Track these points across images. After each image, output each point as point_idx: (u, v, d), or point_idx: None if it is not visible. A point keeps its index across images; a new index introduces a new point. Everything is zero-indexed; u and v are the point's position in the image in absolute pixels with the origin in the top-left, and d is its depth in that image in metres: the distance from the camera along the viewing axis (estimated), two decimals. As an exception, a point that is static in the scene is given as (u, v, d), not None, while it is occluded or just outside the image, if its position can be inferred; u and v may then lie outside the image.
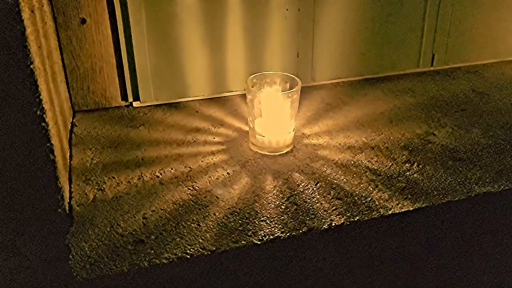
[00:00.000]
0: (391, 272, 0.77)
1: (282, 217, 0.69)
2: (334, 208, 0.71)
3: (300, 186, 0.75)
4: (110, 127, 0.90)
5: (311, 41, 1.02)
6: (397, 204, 0.72)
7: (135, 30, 0.91)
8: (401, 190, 0.74)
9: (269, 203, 0.72)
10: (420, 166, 0.80)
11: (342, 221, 0.69)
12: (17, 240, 0.65)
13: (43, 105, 0.61)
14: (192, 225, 0.67)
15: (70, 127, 0.89)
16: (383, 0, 1.03)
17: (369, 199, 0.73)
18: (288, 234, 0.66)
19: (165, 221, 0.68)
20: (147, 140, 0.87)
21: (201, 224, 0.68)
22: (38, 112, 0.60)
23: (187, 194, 0.73)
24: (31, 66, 0.58)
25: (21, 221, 0.65)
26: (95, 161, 0.81)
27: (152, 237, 0.65)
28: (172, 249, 0.63)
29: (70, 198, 0.72)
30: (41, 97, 0.60)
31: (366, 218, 0.69)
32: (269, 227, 0.67)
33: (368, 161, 0.81)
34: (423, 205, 0.72)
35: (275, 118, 0.81)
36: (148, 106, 0.98)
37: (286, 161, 0.81)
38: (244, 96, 0.98)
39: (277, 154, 0.83)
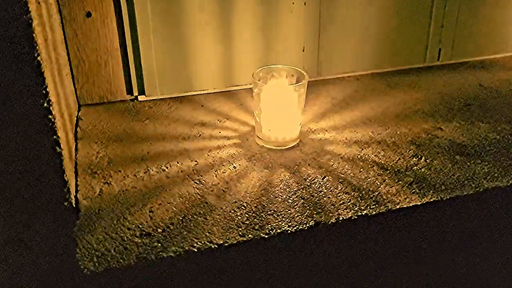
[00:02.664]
0: (398, 266, 0.77)
1: (289, 211, 0.69)
2: (341, 202, 0.70)
3: (307, 180, 0.75)
4: (115, 121, 0.90)
5: (317, 35, 1.02)
6: (405, 198, 0.71)
7: (140, 24, 0.91)
8: (409, 184, 0.74)
9: (276, 197, 0.71)
10: (428, 160, 0.80)
11: (349, 215, 0.68)
12: (24, 233, 0.65)
13: (50, 98, 0.61)
14: (199, 218, 0.67)
15: (75, 121, 0.89)
16: (390, -6, 1.03)
17: (377, 193, 0.72)
18: (295, 228, 0.66)
19: (171, 214, 0.68)
20: (152, 134, 0.86)
21: (208, 218, 0.67)
22: (45, 105, 0.60)
23: (193, 187, 0.73)
24: (38, 58, 0.58)
25: (27, 215, 0.65)
26: (101, 155, 0.80)
27: (159, 230, 0.65)
28: (179, 242, 0.63)
29: (77, 191, 0.72)
30: (47, 89, 0.60)
31: (373, 212, 0.69)
32: (276, 221, 0.67)
33: (375, 156, 0.81)
34: (431, 200, 0.71)
35: (281, 112, 0.81)
36: (153, 100, 0.97)
37: (293, 155, 0.81)
38: (250, 90, 0.97)
39: (283, 148, 0.82)
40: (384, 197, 0.71)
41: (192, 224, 0.66)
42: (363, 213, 0.69)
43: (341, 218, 0.68)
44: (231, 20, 0.95)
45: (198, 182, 0.74)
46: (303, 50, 1.02)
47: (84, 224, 0.66)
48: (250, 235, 0.65)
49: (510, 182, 0.75)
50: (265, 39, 0.99)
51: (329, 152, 0.82)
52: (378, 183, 0.74)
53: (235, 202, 0.70)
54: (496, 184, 0.75)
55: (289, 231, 0.66)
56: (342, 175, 0.76)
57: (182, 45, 0.95)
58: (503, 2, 1.11)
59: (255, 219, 0.67)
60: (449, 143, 0.84)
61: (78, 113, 0.92)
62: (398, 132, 0.87)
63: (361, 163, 0.79)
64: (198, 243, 0.63)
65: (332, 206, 0.70)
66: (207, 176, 0.75)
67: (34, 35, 0.57)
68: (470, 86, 1.04)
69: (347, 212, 0.69)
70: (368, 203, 0.70)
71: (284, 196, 0.71)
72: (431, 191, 0.73)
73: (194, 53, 0.96)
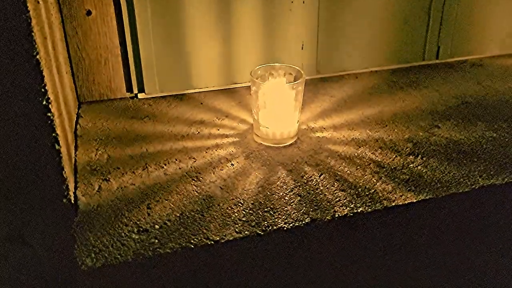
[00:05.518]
0: (394, 264, 0.77)
1: (286, 208, 0.69)
2: (337, 199, 0.71)
3: (304, 177, 0.75)
4: (115, 118, 0.91)
5: (316, 33, 1.02)
6: (401, 196, 0.72)
7: (140, 22, 0.91)
8: (405, 182, 0.75)
9: (273, 194, 0.72)
10: (424, 158, 0.80)
11: (345, 213, 0.69)
12: (23, 230, 0.66)
13: (49, 96, 0.61)
14: (196, 215, 0.68)
15: (75, 118, 0.90)
16: (388, -8, 1.03)
17: (373, 190, 0.73)
18: (291, 225, 0.67)
19: (169, 211, 0.68)
20: (151, 132, 0.87)
21: (205, 215, 0.68)
22: (44, 102, 0.61)
23: (191, 184, 0.74)
24: (37, 57, 0.59)
25: (26, 211, 0.66)
26: (100, 152, 0.81)
27: (156, 226, 0.66)
28: (176, 239, 0.64)
29: (76, 188, 0.73)
30: (46, 87, 0.61)
31: (369, 209, 0.69)
32: (273, 218, 0.68)
33: (372, 153, 0.81)
34: (427, 197, 0.72)
35: (279, 109, 0.81)
36: (153, 97, 0.98)
37: (290, 153, 0.81)
38: (248, 88, 0.98)
39: (281, 145, 0.83)
40: (380, 195, 0.72)
41: (189, 221, 0.67)
42: (359, 211, 0.69)
43: (337, 215, 0.68)
44: (230, 18, 0.96)
45: (195, 179, 0.75)
46: (302, 48, 1.03)
47: (83, 220, 0.67)
48: (246, 232, 0.65)
49: (506, 180, 0.75)
50: (264, 37, 0.99)
51: (327, 149, 0.82)
52: (374, 181, 0.75)
53: (232, 199, 0.71)
54: (492, 181, 0.75)
55: (285, 228, 0.66)
56: (339, 173, 0.76)
57: (182, 43, 0.96)
58: (502, 1, 1.11)
59: (251, 216, 0.68)
60: (446, 141, 0.85)
61: (78, 111, 0.93)
62: (396, 130, 0.88)
63: (358, 161, 0.79)
64: (195, 239, 0.64)
65: (328, 203, 0.70)
66: (205, 173, 0.76)
67: (33, 33, 0.58)
68: (468, 84, 1.05)
69: (343, 209, 0.69)
70: (364, 201, 0.71)
71: (281, 193, 0.72)
72: (427, 189, 0.73)
73: (194, 51, 0.97)
